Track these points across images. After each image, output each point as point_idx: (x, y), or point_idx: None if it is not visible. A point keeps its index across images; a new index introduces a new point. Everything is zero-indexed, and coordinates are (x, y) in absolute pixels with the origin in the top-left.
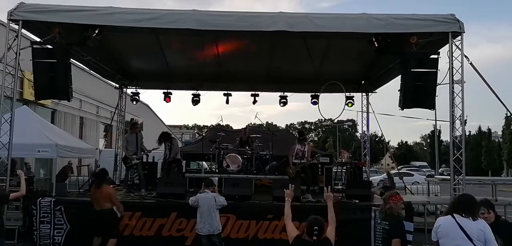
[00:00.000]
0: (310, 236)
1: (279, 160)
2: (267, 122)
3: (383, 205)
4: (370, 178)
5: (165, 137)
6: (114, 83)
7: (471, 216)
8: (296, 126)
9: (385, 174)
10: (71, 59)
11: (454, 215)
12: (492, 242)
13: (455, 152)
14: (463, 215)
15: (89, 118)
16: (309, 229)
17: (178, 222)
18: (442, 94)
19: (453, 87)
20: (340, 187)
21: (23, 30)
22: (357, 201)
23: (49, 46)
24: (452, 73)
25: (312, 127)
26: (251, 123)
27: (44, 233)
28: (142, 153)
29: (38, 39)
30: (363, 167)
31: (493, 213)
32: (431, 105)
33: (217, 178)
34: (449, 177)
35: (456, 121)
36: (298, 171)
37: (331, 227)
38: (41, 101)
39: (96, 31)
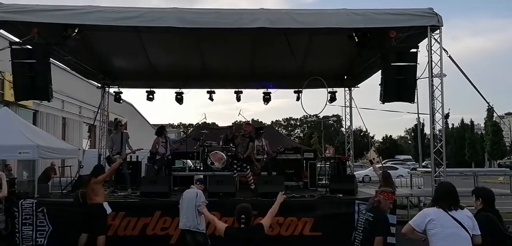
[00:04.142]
0: (239, 224)
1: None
2: (252, 119)
3: (372, 198)
4: (355, 173)
5: (162, 131)
6: (96, 83)
7: (459, 207)
8: (282, 122)
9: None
10: (52, 60)
11: (444, 207)
12: (477, 228)
13: (436, 144)
14: (452, 208)
15: (72, 119)
16: (237, 218)
17: (162, 221)
18: (425, 87)
19: (432, 81)
20: (324, 181)
21: (2, 31)
22: (341, 195)
23: (28, 46)
24: (431, 67)
25: (298, 123)
26: (236, 121)
27: (26, 235)
28: (133, 153)
29: (17, 40)
30: (347, 162)
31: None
32: (411, 98)
33: (202, 175)
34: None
35: (436, 114)
36: (265, 165)
37: (268, 217)
38: (23, 103)
39: (76, 31)
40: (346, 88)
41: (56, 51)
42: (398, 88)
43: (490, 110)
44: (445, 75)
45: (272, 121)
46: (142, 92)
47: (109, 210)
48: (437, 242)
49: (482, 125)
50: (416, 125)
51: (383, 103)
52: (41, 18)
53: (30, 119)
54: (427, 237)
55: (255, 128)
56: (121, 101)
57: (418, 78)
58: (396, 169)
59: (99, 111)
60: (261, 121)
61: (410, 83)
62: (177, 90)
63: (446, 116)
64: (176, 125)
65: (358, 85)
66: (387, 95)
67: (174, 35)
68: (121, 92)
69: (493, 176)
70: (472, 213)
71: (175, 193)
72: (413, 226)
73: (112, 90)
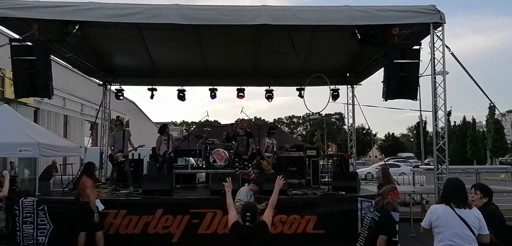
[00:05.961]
0: (244, 222)
1: None
2: (255, 117)
3: (380, 199)
4: (357, 170)
5: (165, 129)
6: (97, 80)
7: (468, 205)
8: (284, 120)
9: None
10: (53, 57)
11: (452, 205)
12: (485, 227)
13: (438, 141)
14: (460, 206)
15: (74, 117)
16: (242, 216)
17: (164, 219)
18: (427, 85)
19: (435, 78)
20: (326, 179)
21: (1, 27)
22: (344, 192)
23: (29, 43)
24: (434, 64)
25: (300, 121)
26: (239, 119)
27: (27, 233)
28: (134, 150)
29: (17, 36)
30: (349, 159)
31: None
32: (413, 96)
33: (204, 173)
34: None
35: (438, 111)
36: (274, 163)
37: (269, 209)
38: (24, 100)
39: (76, 27)
40: (349, 86)
41: (56, 48)
42: (401, 85)
43: (492, 108)
44: (447, 73)
45: (275, 119)
46: (144, 90)
47: (101, 206)
48: (441, 241)
49: (484, 123)
50: (418, 123)
51: (386, 100)
52: (41, 14)
53: (31, 117)
54: (433, 233)
55: (268, 127)
56: (122, 98)
57: (421, 75)
58: (399, 166)
59: (100, 109)
60: (264, 119)
61: (412, 81)
62: (179, 87)
63: (448, 114)
64: (179, 122)
65: (361, 83)
66: (389, 93)
67: (175, 32)
68: (123, 90)
69: (494, 173)
70: (476, 208)
71: (177, 191)
72: (422, 226)
73: (113, 88)
